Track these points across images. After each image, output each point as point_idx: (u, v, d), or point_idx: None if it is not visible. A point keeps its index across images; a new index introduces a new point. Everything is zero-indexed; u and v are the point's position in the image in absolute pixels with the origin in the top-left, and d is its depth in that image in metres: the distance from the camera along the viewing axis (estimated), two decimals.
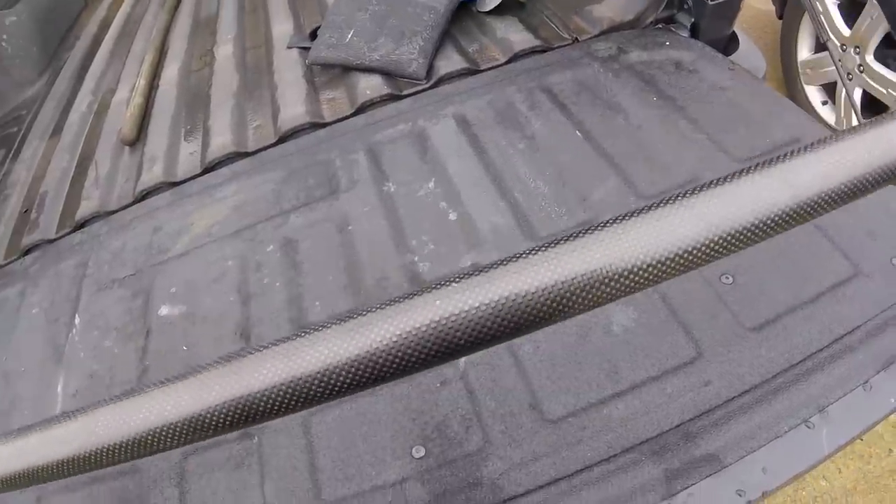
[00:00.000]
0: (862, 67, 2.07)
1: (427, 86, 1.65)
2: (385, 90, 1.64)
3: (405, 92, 1.65)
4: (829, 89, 2.34)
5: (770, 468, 0.90)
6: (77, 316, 1.42)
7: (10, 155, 2.10)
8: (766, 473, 0.89)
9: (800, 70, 2.40)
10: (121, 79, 2.15)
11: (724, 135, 1.22)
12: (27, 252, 1.66)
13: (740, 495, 0.88)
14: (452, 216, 1.32)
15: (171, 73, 2.07)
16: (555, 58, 1.64)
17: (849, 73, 2.14)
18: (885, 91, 2.03)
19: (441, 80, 1.65)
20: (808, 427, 0.92)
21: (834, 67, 2.20)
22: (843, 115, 2.22)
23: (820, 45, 2.30)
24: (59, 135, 2.04)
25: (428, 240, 1.29)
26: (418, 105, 1.61)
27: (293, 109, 1.68)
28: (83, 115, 2.08)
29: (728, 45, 1.64)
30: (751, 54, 1.64)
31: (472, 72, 1.65)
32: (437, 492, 0.96)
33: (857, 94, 2.15)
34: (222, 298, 1.32)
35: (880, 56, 2.03)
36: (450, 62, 1.68)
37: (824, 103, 2.38)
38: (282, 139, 1.64)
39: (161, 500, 1.07)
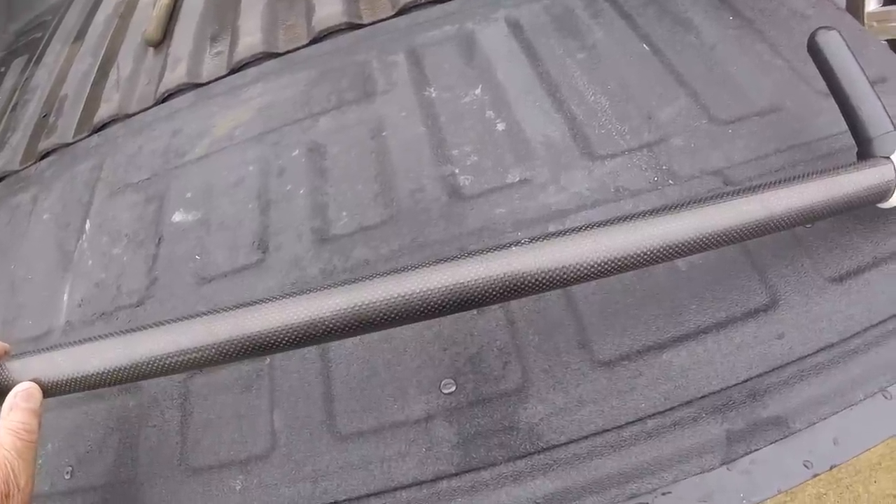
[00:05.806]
0: None
1: None
2: None
3: None
4: None
5: (841, 439, 0.75)
6: (88, 221, 1.32)
7: (33, 60, 2.01)
8: (836, 445, 0.74)
9: (866, 22, 2.14)
10: None
11: (805, 64, 1.04)
12: (44, 157, 1.57)
13: (807, 467, 0.74)
14: (500, 126, 1.16)
15: None
16: None
17: None
18: None
19: None
20: (885, 397, 0.77)
21: None
22: None
23: None
24: (82, 39, 1.93)
25: (471, 150, 1.14)
26: (467, 7, 1.43)
27: (329, 8, 1.52)
28: (108, 17, 1.96)
29: None
30: None
31: None
32: (466, 433, 0.83)
33: None
34: (240, 205, 1.20)
35: None
36: None
37: None
38: (315, 40, 1.50)
39: (161, 422, 0.97)
